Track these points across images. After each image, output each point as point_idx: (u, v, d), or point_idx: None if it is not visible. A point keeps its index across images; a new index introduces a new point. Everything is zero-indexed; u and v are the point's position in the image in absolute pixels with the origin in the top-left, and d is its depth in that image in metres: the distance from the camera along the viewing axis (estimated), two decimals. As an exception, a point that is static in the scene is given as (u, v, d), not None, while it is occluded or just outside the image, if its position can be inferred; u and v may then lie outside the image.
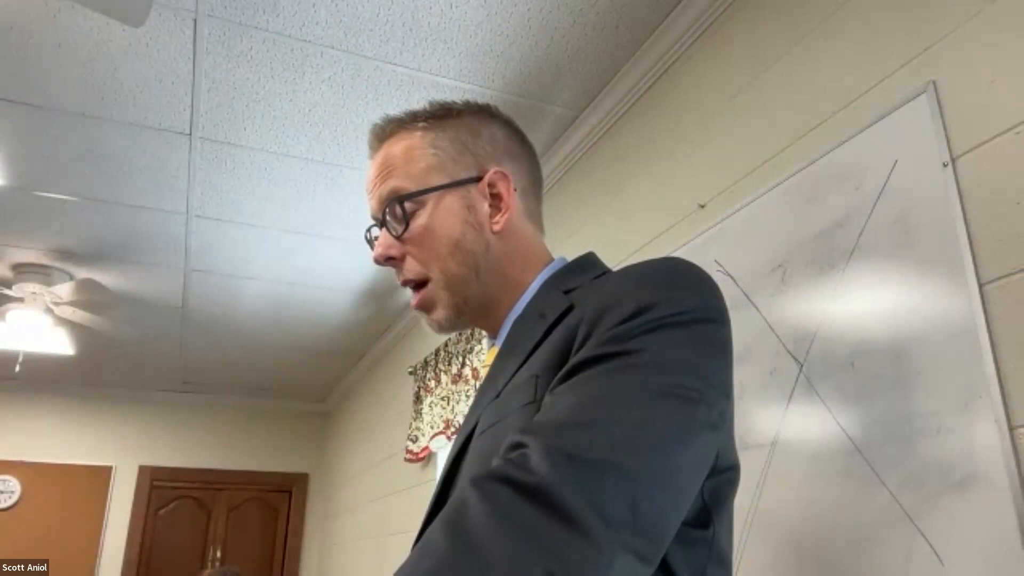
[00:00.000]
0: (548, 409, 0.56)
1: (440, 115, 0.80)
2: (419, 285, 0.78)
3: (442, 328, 0.79)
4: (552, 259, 0.82)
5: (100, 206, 2.71)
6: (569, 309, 0.67)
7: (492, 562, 0.44)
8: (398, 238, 0.77)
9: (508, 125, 0.84)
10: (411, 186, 0.76)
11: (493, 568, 0.44)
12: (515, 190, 0.79)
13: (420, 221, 0.76)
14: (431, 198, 0.76)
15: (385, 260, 0.78)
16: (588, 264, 0.79)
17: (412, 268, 0.78)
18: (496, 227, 0.77)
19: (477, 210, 0.77)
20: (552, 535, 0.45)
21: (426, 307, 0.78)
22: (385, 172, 0.78)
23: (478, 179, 0.78)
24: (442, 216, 0.76)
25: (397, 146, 0.79)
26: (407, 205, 0.76)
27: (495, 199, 0.78)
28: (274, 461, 5.67)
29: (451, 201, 0.76)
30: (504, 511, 0.47)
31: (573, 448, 0.50)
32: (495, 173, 0.78)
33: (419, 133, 0.78)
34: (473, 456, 0.66)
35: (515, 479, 0.49)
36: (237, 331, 4.07)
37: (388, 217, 0.77)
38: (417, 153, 0.77)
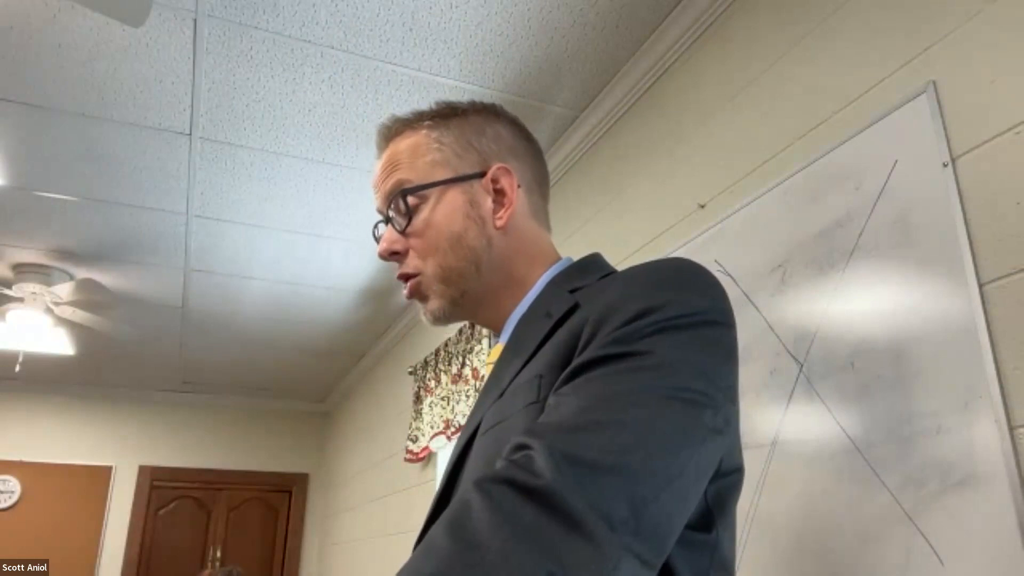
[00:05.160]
0: (552, 410, 0.56)
1: (445, 114, 0.80)
2: (412, 278, 0.79)
3: (436, 319, 0.79)
4: (559, 258, 0.82)
5: (100, 206, 2.71)
6: (574, 308, 0.67)
7: (494, 564, 0.44)
8: (402, 232, 0.78)
9: (513, 124, 0.84)
10: (415, 180, 0.77)
11: (495, 570, 0.44)
12: (519, 187, 0.79)
13: (423, 215, 0.77)
14: (434, 193, 0.77)
15: (389, 255, 0.79)
16: (594, 264, 0.79)
17: (413, 262, 0.78)
18: (499, 223, 0.77)
19: (480, 205, 0.77)
20: (555, 537, 0.45)
21: (420, 296, 0.79)
22: (390, 168, 0.79)
23: (482, 175, 0.78)
24: (444, 210, 0.76)
25: (402, 143, 0.80)
26: (410, 199, 0.77)
27: (498, 195, 0.78)
28: (274, 461, 5.67)
29: (454, 196, 0.77)
30: (507, 513, 0.47)
31: (577, 451, 0.49)
32: (499, 169, 0.78)
33: (424, 131, 0.79)
34: (476, 456, 0.66)
35: (519, 481, 0.48)
36: (237, 331, 4.07)
37: (392, 212, 0.78)
38: (422, 149, 0.78)
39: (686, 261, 0.65)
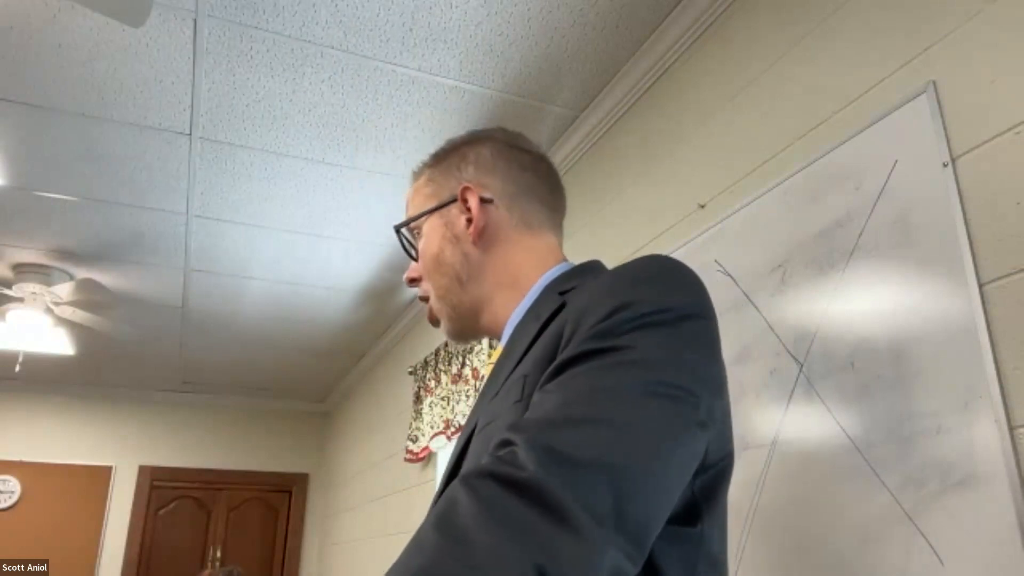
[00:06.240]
0: (536, 407, 0.57)
1: (445, 150, 0.90)
2: (426, 299, 0.89)
3: (450, 336, 0.88)
4: (560, 261, 0.85)
5: (100, 206, 2.71)
6: (560, 308, 0.69)
7: (482, 557, 0.44)
8: (416, 262, 0.90)
9: (498, 141, 0.89)
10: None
11: (483, 563, 0.44)
12: (490, 201, 0.83)
13: (420, 245, 0.88)
14: (422, 224, 0.87)
15: (409, 282, 0.90)
16: (589, 268, 0.81)
17: (423, 286, 0.89)
18: (471, 239, 0.83)
19: (454, 225, 0.84)
20: (542, 530, 0.46)
21: (434, 320, 0.89)
22: (405, 209, 0.92)
23: (455, 199, 0.85)
24: (428, 237, 0.86)
25: (413, 186, 0.91)
26: (413, 234, 0.89)
27: (470, 213, 0.83)
28: (274, 461, 5.67)
29: (433, 222, 0.86)
30: (493, 506, 0.47)
31: (560, 445, 0.50)
32: (463, 189, 0.84)
33: (426, 171, 0.90)
34: (471, 455, 0.67)
35: (502, 474, 0.49)
36: (237, 331, 4.07)
37: (406, 246, 0.91)
38: (420, 188, 0.89)
39: (664, 257, 0.68)
